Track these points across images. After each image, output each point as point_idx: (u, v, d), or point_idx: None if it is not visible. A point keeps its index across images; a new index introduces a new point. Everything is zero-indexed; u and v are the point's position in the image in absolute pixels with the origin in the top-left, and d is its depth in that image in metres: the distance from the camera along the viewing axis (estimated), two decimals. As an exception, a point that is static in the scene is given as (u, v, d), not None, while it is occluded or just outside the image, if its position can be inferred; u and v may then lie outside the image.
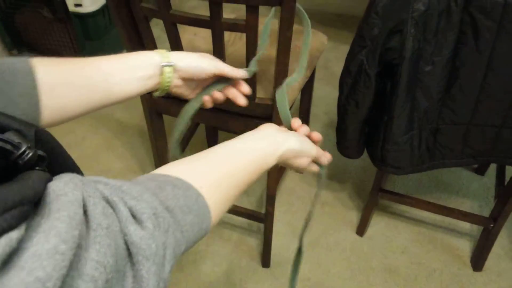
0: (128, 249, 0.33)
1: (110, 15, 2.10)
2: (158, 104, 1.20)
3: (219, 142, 1.60)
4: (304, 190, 1.67)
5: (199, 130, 1.77)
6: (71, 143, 1.82)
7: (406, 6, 0.90)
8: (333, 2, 2.57)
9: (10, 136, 0.32)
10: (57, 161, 0.40)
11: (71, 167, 0.45)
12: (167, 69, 0.59)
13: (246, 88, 0.70)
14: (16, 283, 0.24)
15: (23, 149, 0.31)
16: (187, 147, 1.60)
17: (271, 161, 0.59)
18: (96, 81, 0.54)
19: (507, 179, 1.49)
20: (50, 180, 0.32)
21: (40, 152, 0.34)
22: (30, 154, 0.32)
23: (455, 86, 1.02)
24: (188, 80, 0.64)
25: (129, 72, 0.57)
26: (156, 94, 0.62)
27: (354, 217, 1.58)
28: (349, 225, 1.56)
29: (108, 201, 0.34)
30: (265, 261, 1.45)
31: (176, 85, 0.63)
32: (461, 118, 1.07)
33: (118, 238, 0.32)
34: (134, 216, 0.35)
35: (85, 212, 0.31)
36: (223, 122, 1.18)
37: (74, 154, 1.78)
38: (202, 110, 1.18)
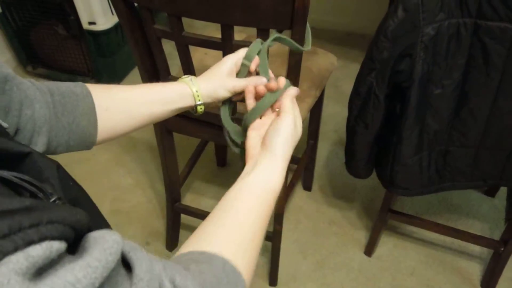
0: None
1: (123, 33, 2.14)
2: (169, 122, 1.22)
3: (228, 160, 1.62)
4: (311, 208, 1.66)
5: (208, 147, 1.78)
6: (82, 158, 1.84)
7: (416, 30, 0.91)
8: (342, 21, 2.59)
9: (45, 186, 0.34)
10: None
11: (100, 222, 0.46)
12: (199, 106, 0.66)
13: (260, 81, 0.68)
14: None
15: (53, 198, 0.33)
16: (196, 163, 1.61)
17: (276, 186, 0.56)
18: (141, 107, 0.63)
19: (517, 201, 1.47)
20: (90, 224, 0.33)
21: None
22: (59, 203, 0.33)
23: (465, 109, 1.02)
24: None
25: (168, 105, 0.64)
26: (198, 111, 0.68)
27: (362, 237, 1.57)
28: (357, 245, 1.55)
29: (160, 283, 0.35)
30: (273, 279, 1.44)
31: (209, 106, 0.70)
32: (471, 141, 1.07)
33: None
34: None
35: (128, 267, 0.32)
36: (232, 141, 1.19)
37: (84, 169, 1.81)
38: (213, 128, 1.19)
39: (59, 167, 0.40)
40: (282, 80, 0.66)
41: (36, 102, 0.50)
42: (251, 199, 0.53)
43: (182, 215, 1.53)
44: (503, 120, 1.02)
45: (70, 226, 0.29)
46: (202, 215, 1.45)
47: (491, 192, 1.68)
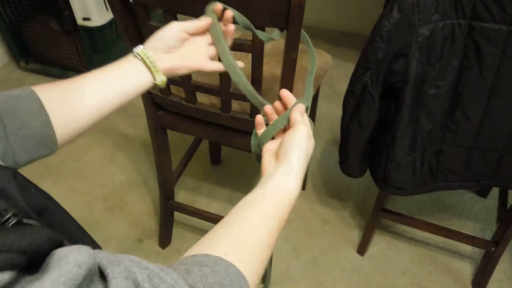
0: None
1: (117, 29, 2.13)
2: (163, 120, 1.21)
3: (222, 158, 1.62)
4: (305, 207, 1.67)
5: (202, 145, 1.77)
6: (75, 155, 1.83)
7: (411, 30, 0.91)
8: (337, 21, 2.59)
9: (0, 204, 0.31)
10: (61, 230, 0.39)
11: (75, 233, 0.44)
12: (141, 52, 0.62)
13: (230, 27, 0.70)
14: None
15: (7, 215, 0.30)
16: (190, 161, 1.61)
17: (291, 196, 0.54)
18: (92, 95, 0.57)
19: (509, 202, 1.49)
20: (58, 242, 0.31)
21: (26, 221, 0.32)
22: (14, 222, 0.30)
23: (458, 110, 1.02)
24: (170, 51, 0.66)
25: (125, 96, 0.61)
26: (158, 84, 0.64)
27: (355, 236, 1.58)
28: (350, 244, 1.55)
29: (137, 285, 0.33)
30: (265, 278, 1.44)
31: (161, 59, 0.65)
32: (464, 141, 1.08)
33: None
34: None
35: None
36: (227, 139, 1.19)
37: (78, 166, 1.80)
38: (207, 126, 1.18)
39: (15, 174, 0.37)
40: (289, 98, 0.64)
41: None
42: (264, 208, 0.51)
43: (176, 213, 1.53)
44: (496, 121, 1.02)
45: (19, 252, 0.27)
46: (195, 213, 1.45)
47: (483, 193, 1.69)
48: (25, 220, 0.31)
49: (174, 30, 0.65)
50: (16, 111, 0.49)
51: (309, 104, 0.67)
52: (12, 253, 0.26)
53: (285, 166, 0.55)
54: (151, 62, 0.63)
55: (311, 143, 0.59)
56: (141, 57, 0.62)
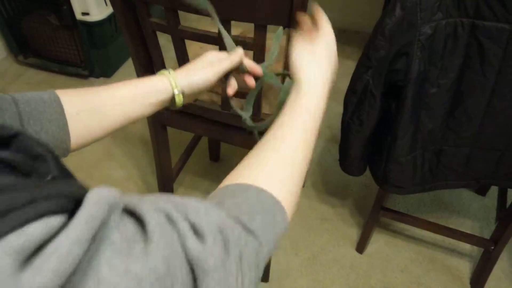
0: (190, 265, 0.33)
1: (116, 24, 2.11)
2: (163, 117, 1.21)
3: (221, 155, 1.62)
4: (304, 204, 1.67)
5: (202, 142, 1.77)
6: (73, 150, 1.82)
7: (413, 29, 0.91)
8: (337, 18, 2.58)
9: (38, 165, 0.32)
10: None
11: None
12: (177, 97, 0.63)
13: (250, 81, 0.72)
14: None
15: (48, 177, 0.32)
16: (189, 158, 1.60)
17: (317, 111, 0.58)
18: (115, 108, 0.59)
19: (508, 201, 1.49)
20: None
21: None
22: (51, 177, 0.32)
23: (460, 109, 1.02)
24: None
25: (144, 99, 0.61)
26: (170, 107, 0.66)
27: (354, 234, 1.58)
28: (349, 242, 1.55)
29: (168, 217, 0.34)
30: (264, 275, 1.44)
31: (188, 100, 0.67)
32: (464, 140, 1.08)
33: (174, 253, 0.32)
34: (196, 232, 0.35)
35: (141, 224, 0.32)
36: (227, 136, 1.19)
37: (76, 161, 1.79)
38: (207, 123, 1.18)
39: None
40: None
41: (3, 110, 0.49)
42: (292, 129, 0.54)
43: (174, 210, 1.52)
44: (497, 120, 1.02)
45: (69, 197, 0.28)
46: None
47: (482, 191, 1.69)
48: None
49: (211, 81, 0.66)
50: (38, 115, 0.52)
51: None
52: (62, 199, 0.28)
53: (308, 84, 0.58)
54: (180, 105, 0.64)
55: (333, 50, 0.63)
56: (174, 99, 0.63)
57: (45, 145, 0.36)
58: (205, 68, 0.66)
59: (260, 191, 0.43)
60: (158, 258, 0.31)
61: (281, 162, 0.49)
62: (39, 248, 0.25)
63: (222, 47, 0.93)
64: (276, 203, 0.44)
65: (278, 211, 0.44)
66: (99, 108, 0.58)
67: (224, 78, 0.70)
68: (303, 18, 0.67)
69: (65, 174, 0.35)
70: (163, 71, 0.64)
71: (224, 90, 0.71)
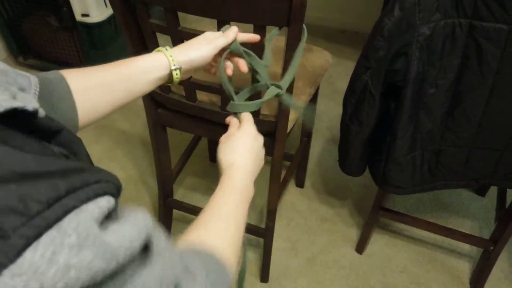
0: None
1: (116, 26, 2.12)
2: (163, 118, 1.21)
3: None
4: (304, 205, 1.67)
5: (201, 143, 1.77)
6: (73, 151, 1.82)
7: (412, 29, 0.91)
8: (337, 19, 2.59)
9: (80, 159, 0.39)
10: None
11: None
12: (175, 72, 0.65)
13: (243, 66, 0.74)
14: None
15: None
16: (189, 159, 1.61)
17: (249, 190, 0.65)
18: (117, 84, 0.62)
19: (508, 201, 1.49)
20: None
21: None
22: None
23: (458, 109, 1.02)
24: (195, 70, 0.71)
25: (143, 75, 0.64)
26: (167, 83, 0.68)
27: (354, 234, 1.58)
28: (348, 242, 1.55)
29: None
30: (264, 275, 1.44)
31: (185, 76, 0.70)
32: (463, 140, 1.08)
33: None
34: None
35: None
36: (226, 137, 1.19)
37: (76, 162, 1.79)
38: (206, 124, 1.18)
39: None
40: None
41: None
42: (235, 198, 0.63)
43: (174, 210, 1.53)
44: (496, 120, 1.02)
45: (116, 185, 0.33)
46: (194, 210, 1.45)
47: (481, 191, 1.70)
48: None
49: (207, 58, 0.69)
50: (47, 94, 0.53)
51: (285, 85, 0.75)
52: (109, 184, 0.32)
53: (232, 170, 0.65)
54: (177, 80, 0.67)
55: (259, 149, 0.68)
56: (171, 75, 0.66)
57: (79, 141, 0.40)
58: (201, 44, 0.69)
59: (225, 268, 0.50)
60: None
61: (235, 227, 0.59)
62: (107, 216, 0.31)
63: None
64: (229, 274, 0.51)
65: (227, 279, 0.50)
66: (103, 85, 0.61)
67: (220, 58, 0.72)
68: (232, 121, 0.73)
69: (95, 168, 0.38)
70: (160, 48, 0.67)
71: (219, 72, 0.72)
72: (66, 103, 0.56)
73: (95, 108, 0.60)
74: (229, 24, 0.88)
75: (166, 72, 0.65)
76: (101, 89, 0.60)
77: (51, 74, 0.56)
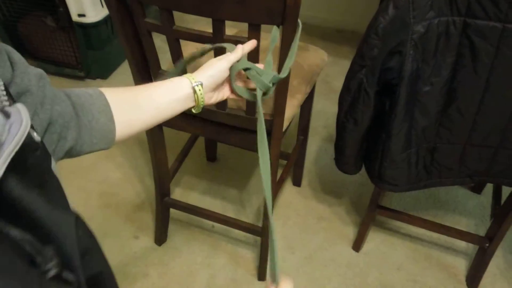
0: None
1: (113, 26, 2.12)
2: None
3: (218, 155, 1.62)
4: (301, 203, 1.67)
5: (198, 142, 1.77)
6: (70, 151, 1.82)
7: (406, 28, 0.92)
8: (333, 18, 2.59)
9: (46, 249, 0.31)
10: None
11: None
12: (197, 88, 0.69)
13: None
14: None
15: (50, 264, 0.31)
16: (186, 158, 1.61)
17: None
18: (148, 102, 0.66)
19: (503, 198, 1.50)
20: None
21: (66, 276, 0.32)
22: (53, 274, 0.31)
23: (453, 107, 1.03)
24: (216, 88, 0.74)
25: (170, 95, 0.68)
26: (195, 110, 0.72)
27: (350, 232, 1.58)
28: (345, 240, 1.56)
29: None
30: (261, 274, 1.45)
31: (208, 97, 0.73)
32: (458, 138, 1.09)
33: None
34: None
35: None
36: (223, 136, 1.19)
37: (73, 163, 1.78)
38: (203, 123, 1.18)
39: (77, 218, 0.37)
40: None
41: (62, 100, 0.54)
42: None
43: (172, 210, 1.53)
44: (490, 117, 1.03)
45: None
46: (191, 209, 1.45)
47: (477, 189, 1.70)
48: (64, 275, 0.32)
49: (224, 71, 0.72)
50: (89, 106, 0.58)
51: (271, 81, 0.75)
52: None
53: None
54: (202, 102, 0.70)
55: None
56: (197, 96, 0.69)
57: (70, 218, 0.35)
58: (213, 63, 0.73)
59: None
60: None
61: None
62: None
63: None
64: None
65: None
66: (136, 102, 0.65)
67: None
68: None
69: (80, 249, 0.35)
70: (195, 87, 0.70)
71: (232, 83, 0.75)
72: (105, 116, 0.60)
73: (129, 123, 0.64)
74: (223, 23, 0.88)
75: (190, 90, 0.68)
76: (133, 106, 0.64)
77: (91, 90, 0.61)
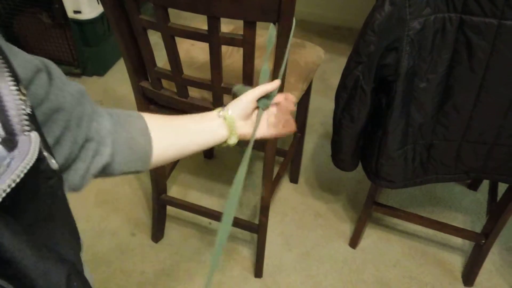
0: None
1: (109, 23, 2.11)
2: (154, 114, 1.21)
3: (215, 152, 1.63)
4: (297, 200, 1.67)
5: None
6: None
7: (402, 24, 0.92)
8: (330, 15, 2.59)
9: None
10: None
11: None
12: (225, 113, 0.69)
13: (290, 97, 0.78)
14: None
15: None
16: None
17: None
18: (183, 131, 0.67)
19: (499, 195, 1.50)
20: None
21: None
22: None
23: (449, 103, 1.03)
24: (245, 119, 0.72)
25: (202, 123, 0.69)
26: (231, 141, 0.70)
27: (347, 229, 1.59)
28: (342, 237, 1.56)
29: None
30: (258, 271, 1.45)
31: (241, 127, 0.71)
32: (454, 134, 1.09)
33: None
34: None
35: None
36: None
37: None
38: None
39: (70, 272, 0.34)
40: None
41: (101, 116, 0.55)
42: None
43: (168, 207, 1.53)
44: (486, 114, 1.03)
45: None
46: (188, 207, 1.45)
47: (474, 186, 1.71)
48: None
49: (250, 102, 0.71)
50: (129, 125, 0.59)
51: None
52: None
53: None
54: (233, 128, 0.69)
55: None
56: (227, 122, 0.69)
57: (61, 270, 0.33)
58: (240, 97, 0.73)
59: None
60: None
61: None
62: None
63: (213, 46, 0.93)
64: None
65: None
66: (174, 130, 0.66)
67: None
68: None
69: None
70: (227, 116, 0.70)
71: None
72: (144, 137, 0.60)
73: (165, 149, 0.64)
74: (219, 20, 0.88)
75: (218, 118, 0.69)
76: (170, 131, 0.65)
77: (130, 111, 0.62)
